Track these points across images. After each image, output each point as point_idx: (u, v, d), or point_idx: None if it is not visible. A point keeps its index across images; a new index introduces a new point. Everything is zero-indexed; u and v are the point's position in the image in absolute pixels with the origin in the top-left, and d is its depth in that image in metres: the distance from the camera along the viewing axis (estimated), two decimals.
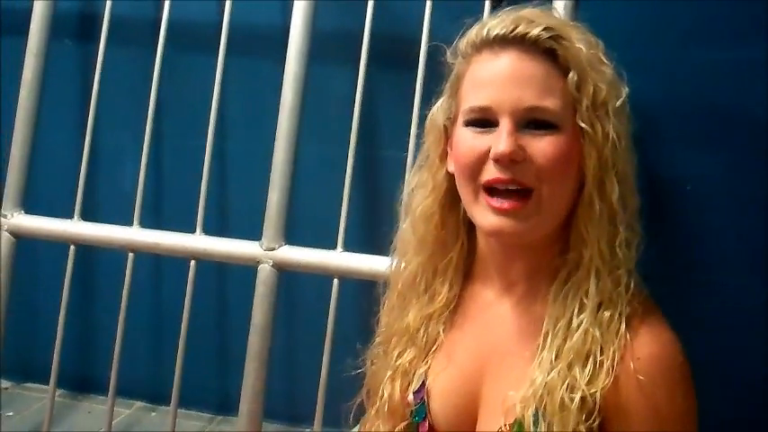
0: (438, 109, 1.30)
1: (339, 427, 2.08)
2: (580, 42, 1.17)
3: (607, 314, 1.15)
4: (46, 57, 2.34)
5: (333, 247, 2.08)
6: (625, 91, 1.21)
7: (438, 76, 2.12)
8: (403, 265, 1.37)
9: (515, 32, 1.17)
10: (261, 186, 2.13)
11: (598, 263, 1.17)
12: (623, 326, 1.15)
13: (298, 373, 2.44)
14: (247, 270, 2.13)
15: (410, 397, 1.31)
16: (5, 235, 2.31)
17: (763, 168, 1.92)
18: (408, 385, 1.32)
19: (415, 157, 2.01)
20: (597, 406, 1.12)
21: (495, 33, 1.18)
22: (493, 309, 1.28)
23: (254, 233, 2.13)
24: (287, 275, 2.13)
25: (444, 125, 1.28)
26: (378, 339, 1.41)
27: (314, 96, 2.16)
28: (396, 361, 1.33)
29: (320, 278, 2.11)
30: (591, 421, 1.12)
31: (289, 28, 2.13)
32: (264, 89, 2.25)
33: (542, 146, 1.15)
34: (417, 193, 1.34)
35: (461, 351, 1.29)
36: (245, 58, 2.32)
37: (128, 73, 2.43)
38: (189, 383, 2.25)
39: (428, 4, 2.06)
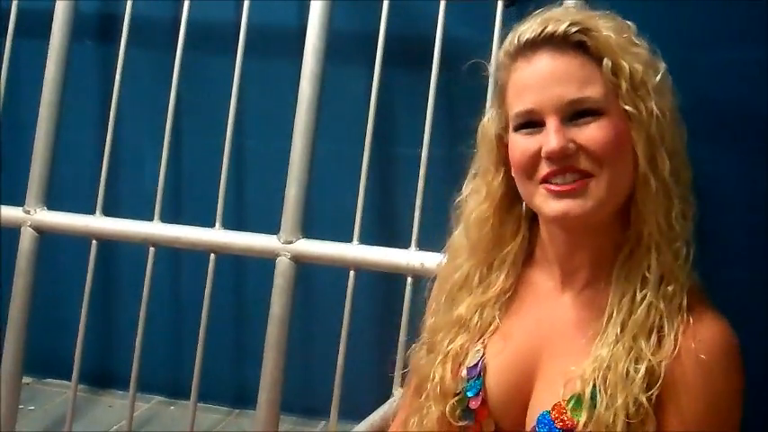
0: (489, 120, 1.33)
1: (354, 419, 2.13)
2: (608, 30, 1.20)
3: (670, 288, 1.19)
4: (68, 57, 2.39)
5: (349, 240, 2.12)
6: (663, 66, 1.24)
7: (451, 75, 2.18)
8: (452, 268, 1.39)
9: (544, 33, 1.20)
10: (278, 182, 2.17)
11: (657, 237, 1.19)
12: (684, 302, 1.18)
13: (313, 366, 2.47)
14: (266, 263, 2.17)
15: (464, 372, 1.32)
16: (29, 231, 2.36)
17: (754, 163, 1.95)
18: (459, 366, 1.33)
19: (429, 154, 2.08)
20: (662, 376, 1.15)
21: (525, 39, 1.22)
22: (553, 297, 1.30)
23: (271, 227, 2.17)
24: (304, 268, 2.18)
25: (499, 134, 1.31)
26: (422, 338, 1.43)
27: (330, 95, 2.20)
28: (446, 348, 1.34)
29: (337, 270, 2.15)
30: (652, 392, 1.14)
31: (305, 28, 2.17)
32: (282, 87, 2.29)
33: (591, 133, 1.18)
34: (471, 200, 1.36)
35: (519, 332, 1.31)
36: (263, 58, 2.36)
37: (148, 72, 2.48)
38: (207, 377, 2.28)
39: (442, 5, 2.11)
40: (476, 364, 1.32)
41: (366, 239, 2.13)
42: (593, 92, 1.18)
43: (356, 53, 2.29)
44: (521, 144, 1.22)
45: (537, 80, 1.20)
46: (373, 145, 2.14)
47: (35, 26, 2.50)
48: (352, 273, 2.11)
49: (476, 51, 2.13)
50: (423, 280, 2.03)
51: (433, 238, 2.08)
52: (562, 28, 1.19)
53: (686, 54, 1.94)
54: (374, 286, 2.33)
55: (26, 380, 2.66)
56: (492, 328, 1.34)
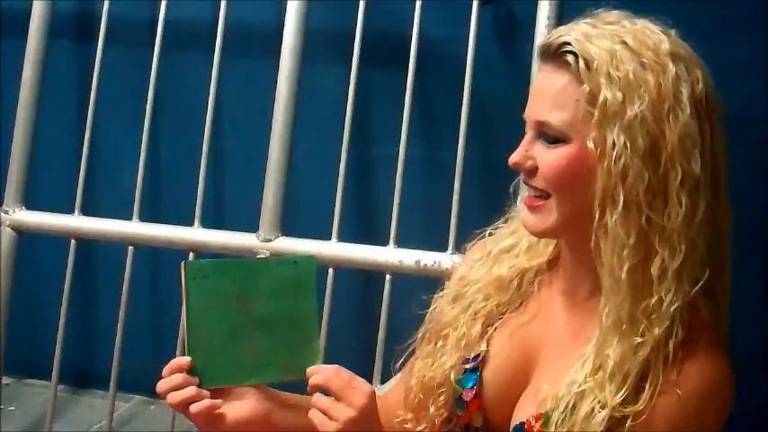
0: None
1: None
2: (605, 51, 1.13)
3: (636, 340, 1.12)
4: (45, 57, 2.38)
5: (328, 238, 2.13)
6: (666, 98, 1.12)
7: (427, 74, 2.19)
8: (506, 232, 1.36)
9: (546, 45, 1.18)
10: (257, 180, 2.18)
11: (607, 281, 1.14)
12: (671, 352, 1.11)
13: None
14: None
15: (477, 348, 1.30)
16: (7, 230, 2.35)
17: (737, 160, 1.96)
18: (487, 330, 1.31)
19: (406, 152, 2.09)
20: (625, 428, 1.11)
21: (538, 46, 1.21)
22: (559, 302, 1.28)
23: (250, 226, 2.18)
24: None
25: None
26: (447, 289, 1.40)
27: (308, 94, 2.21)
28: (480, 303, 1.32)
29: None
30: None
31: (282, 27, 2.18)
32: (259, 86, 2.29)
33: (547, 157, 1.16)
34: None
35: (523, 331, 1.29)
36: (241, 57, 2.36)
37: (125, 71, 2.48)
38: None
39: (418, 4, 2.12)
40: (476, 357, 1.31)
41: (345, 237, 2.15)
42: (559, 118, 1.15)
43: (333, 52, 2.30)
44: None
45: (533, 91, 1.20)
46: (351, 143, 2.15)
47: (12, 26, 2.51)
48: (330, 270, 2.12)
49: (452, 50, 2.17)
50: (401, 277, 2.07)
51: (411, 236, 2.11)
52: (555, 44, 1.16)
53: None
54: (353, 284, 2.34)
55: (6, 380, 2.66)
56: (522, 302, 1.31)
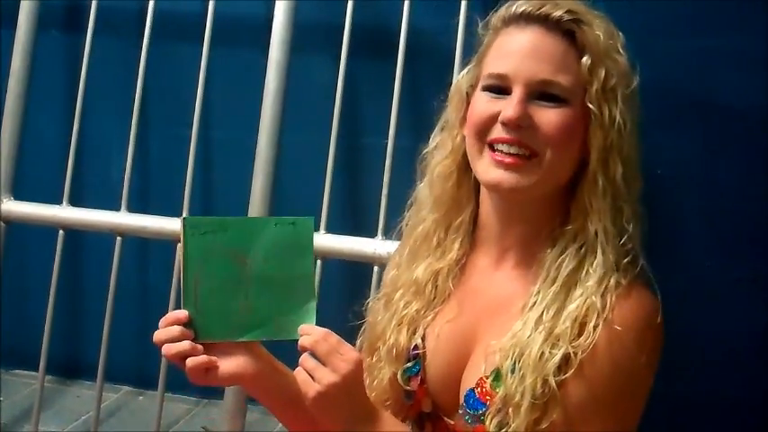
0: (463, 76, 1.36)
1: None
2: (599, 30, 1.24)
3: (612, 282, 1.21)
4: (34, 48, 2.39)
5: (316, 229, 2.12)
6: (636, 81, 1.28)
7: (416, 66, 2.19)
8: (417, 221, 1.41)
9: (540, 11, 1.24)
10: (245, 172, 2.19)
11: (603, 237, 1.22)
12: (614, 290, 1.21)
13: (280, 355, 2.47)
14: None
15: (415, 342, 1.35)
16: None
17: (731, 152, 1.98)
18: (415, 332, 1.36)
19: (395, 144, 2.09)
20: (577, 362, 1.17)
21: (521, 10, 1.26)
22: (488, 275, 1.33)
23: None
24: None
25: (467, 92, 1.34)
26: (381, 292, 1.45)
27: (297, 86, 2.22)
28: (402, 311, 1.37)
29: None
30: (562, 377, 1.17)
31: (272, 18, 2.18)
32: (248, 78, 2.29)
33: (550, 116, 1.22)
34: (437, 154, 1.39)
35: (457, 315, 1.34)
36: (230, 48, 2.36)
37: (114, 63, 2.47)
38: (175, 368, 2.27)
39: None
40: (416, 346, 1.35)
41: (333, 229, 2.15)
42: (565, 80, 1.22)
43: (322, 44, 2.30)
44: (482, 103, 1.26)
45: (519, 49, 1.24)
46: (340, 135, 2.15)
47: (0, 16, 2.49)
48: (319, 262, 2.12)
49: (441, 42, 2.17)
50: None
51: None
52: (558, 13, 1.23)
53: (659, 40, 1.96)
54: (341, 275, 2.35)
55: None
56: (444, 299, 1.36)
